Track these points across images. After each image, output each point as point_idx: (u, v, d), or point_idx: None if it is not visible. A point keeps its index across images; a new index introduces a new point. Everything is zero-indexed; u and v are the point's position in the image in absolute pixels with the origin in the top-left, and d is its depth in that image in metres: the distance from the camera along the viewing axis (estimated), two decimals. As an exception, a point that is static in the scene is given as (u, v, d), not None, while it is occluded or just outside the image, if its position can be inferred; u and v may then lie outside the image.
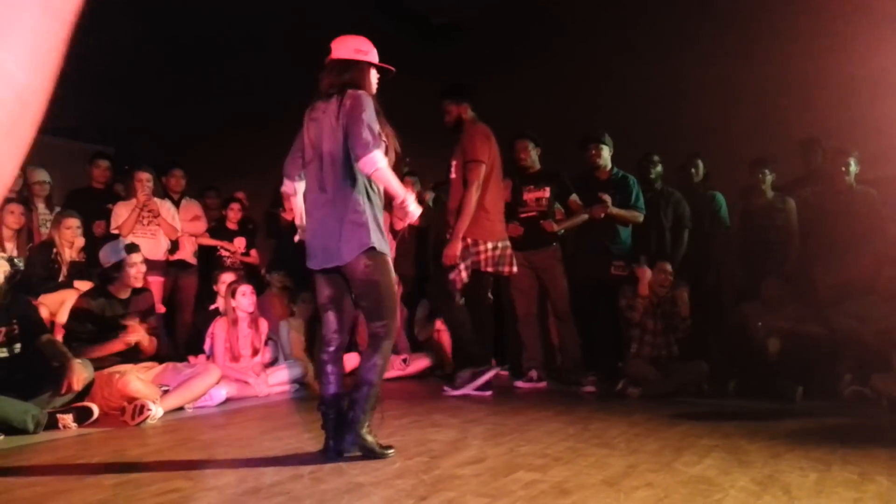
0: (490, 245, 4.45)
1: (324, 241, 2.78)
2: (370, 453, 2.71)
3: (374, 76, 2.93)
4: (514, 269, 4.57)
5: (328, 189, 2.77)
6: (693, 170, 5.67)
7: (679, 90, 6.55)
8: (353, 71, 2.85)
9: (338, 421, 2.81)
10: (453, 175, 4.52)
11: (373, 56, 2.92)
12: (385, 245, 2.80)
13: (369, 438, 2.74)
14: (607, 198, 5.05)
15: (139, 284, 4.19)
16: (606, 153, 5.23)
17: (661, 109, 6.55)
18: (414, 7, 7.65)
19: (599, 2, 7.07)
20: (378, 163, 2.68)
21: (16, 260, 3.59)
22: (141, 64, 8.69)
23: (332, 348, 2.88)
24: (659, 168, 5.52)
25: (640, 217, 5.20)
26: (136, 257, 4.13)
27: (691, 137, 6.14)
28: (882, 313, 4.39)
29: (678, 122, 6.44)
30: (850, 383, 4.36)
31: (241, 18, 8.29)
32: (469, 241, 4.39)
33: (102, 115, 8.98)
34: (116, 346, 3.93)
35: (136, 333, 3.98)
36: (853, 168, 4.92)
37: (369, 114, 2.71)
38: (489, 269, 4.47)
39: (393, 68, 2.97)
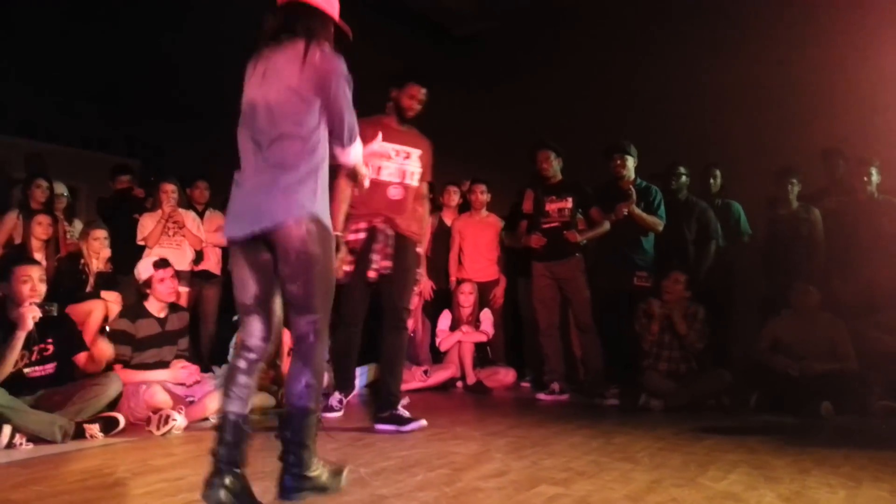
0: None
1: (254, 201, 2.20)
2: (326, 489, 2.26)
3: (331, 34, 2.37)
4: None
5: (270, 152, 2.21)
6: (711, 180, 5.64)
7: (701, 99, 6.51)
8: (316, 20, 2.30)
9: (233, 449, 2.22)
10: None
11: (335, 10, 2.38)
12: (330, 225, 2.24)
13: (320, 476, 2.23)
14: (632, 192, 5.01)
15: (171, 299, 4.20)
16: (631, 163, 5.21)
17: (683, 119, 6.52)
18: (435, 19, 7.69)
19: (620, 12, 7.06)
20: (359, 156, 2.42)
21: (47, 305, 3.63)
22: (167, 76, 8.82)
23: (253, 356, 2.24)
24: (683, 178, 5.49)
25: (660, 225, 5.16)
26: (163, 272, 4.15)
27: (713, 147, 6.11)
28: (911, 326, 4.31)
29: (700, 131, 6.40)
30: (880, 398, 4.28)
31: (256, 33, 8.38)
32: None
33: (130, 127, 9.13)
34: (156, 376, 3.99)
35: (176, 372, 4.05)
36: (875, 178, 4.87)
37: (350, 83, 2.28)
38: None
39: (349, 32, 2.43)
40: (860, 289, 4.77)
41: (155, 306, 4.16)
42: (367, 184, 2.63)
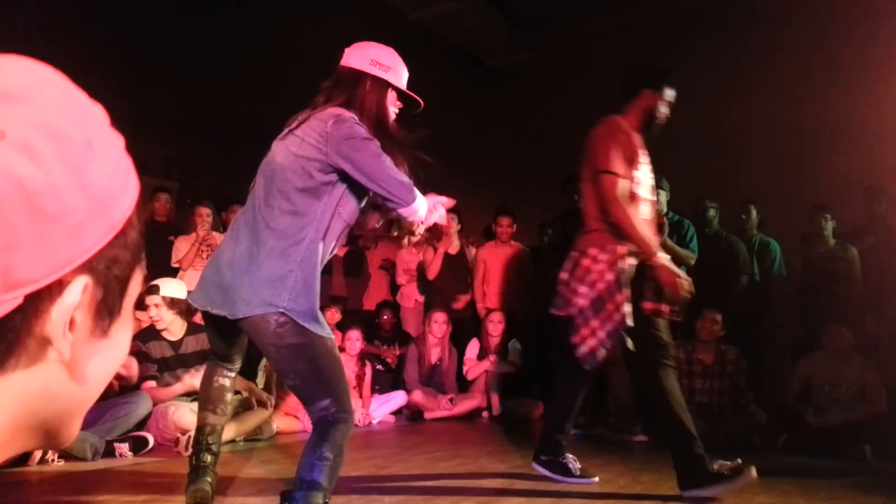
0: None
1: (226, 278, 2.06)
2: None
3: (391, 101, 2.22)
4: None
5: (261, 214, 2.07)
6: (744, 216, 5.57)
7: (736, 134, 6.50)
8: (361, 87, 2.16)
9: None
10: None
11: (396, 75, 2.21)
12: (313, 322, 2.00)
13: None
14: (665, 224, 4.96)
15: (160, 326, 4.12)
16: (663, 198, 5.19)
17: (719, 154, 6.50)
18: (469, 50, 7.81)
19: (653, 46, 7.08)
20: (424, 209, 2.13)
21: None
22: (205, 102, 9.05)
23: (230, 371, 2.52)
24: (712, 212, 5.45)
25: (693, 259, 5.10)
26: (150, 299, 4.07)
27: (749, 182, 6.06)
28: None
29: (736, 166, 6.37)
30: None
31: (304, 59, 8.56)
32: None
33: (168, 151, 9.36)
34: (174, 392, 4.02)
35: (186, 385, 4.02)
36: None
37: (374, 143, 2.06)
38: None
39: (420, 101, 2.28)
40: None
41: (167, 330, 4.14)
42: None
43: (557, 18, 7.68)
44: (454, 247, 6.12)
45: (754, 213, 5.59)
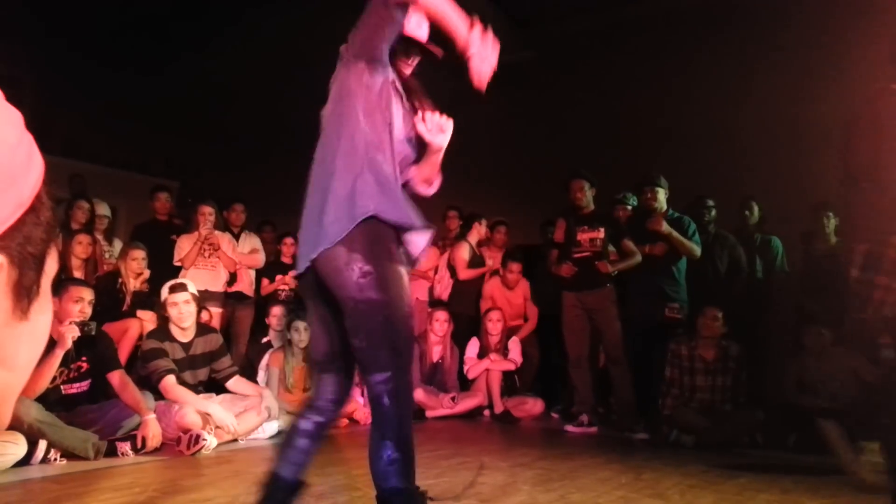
0: None
1: (303, 230, 1.89)
2: None
3: (406, 45, 2.03)
4: None
5: (319, 163, 1.96)
6: (747, 212, 5.57)
7: (738, 132, 6.49)
8: (377, 17, 1.88)
9: None
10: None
11: (417, 27, 2.04)
12: (402, 213, 1.83)
13: None
14: (660, 217, 4.95)
15: (184, 324, 4.10)
16: (662, 196, 5.18)
17: (719, 151, 6.49)
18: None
19: (656, 43, 7.08)
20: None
21: (87, 325, 3.71)
22: (206, 101, 9.05)
23: (319, 419, 1.95)
24: (713, 213, 5.45)
25: (697, 250, 5.09)
26: (177, 296, 4.08)
27: (751, 180, 6.05)
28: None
29: (737, 163, 6.36)
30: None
31: (304, 60, 8.56)
32: None
33: (169, 150, 9.37)
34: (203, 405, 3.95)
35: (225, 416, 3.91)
36: None
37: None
38: None
39: (440, 52, 2.10)
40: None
41: (178, 330, 4.13)
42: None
43: (558, 16, 7.67)
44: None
45: (756, 210, 5.59)
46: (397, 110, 1.95)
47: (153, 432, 3.59)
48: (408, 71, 2.08)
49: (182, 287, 4.16)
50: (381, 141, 1.88)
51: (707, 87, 6.66)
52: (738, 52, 6.57)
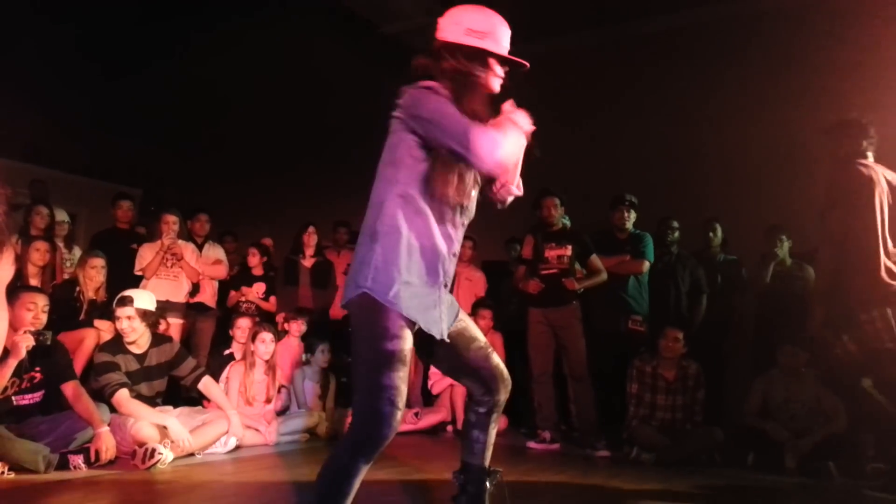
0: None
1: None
2: None
3: (495, 70, 2.02)
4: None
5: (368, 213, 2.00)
6: (711, 234, 5.67)
7: (699, 154, 6.61)
8: (452, 58, 1.95)
9: (473, 500, 2.23)
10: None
11: (494, 41, 1.99)
12: (400, 296, 1.85)
13: None
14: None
15: (129, 339, 4.01)
16: (633, 217, 5.30)
17: (682, 172, 6.60)
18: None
19: (621, 68, 7.20)
20: (500, 145, 1.86)
21: (42, 335, 3.61)
22: (171, 109, 8.95)
23: (481, 409, 2.20)
24: (677, 234, 5.54)
25: (644, 265, 5.20)
26: (122, 311, 3.97)
27: (715, 201, 6.17)
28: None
29: (699, 185, 6.48)
30: (872, 459, 4.24)
31: (275, 69, 8.54)
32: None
33: (132, 158, 9.22)
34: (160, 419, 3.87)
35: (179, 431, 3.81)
36: None
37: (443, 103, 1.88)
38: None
39: (526, 64, 2.04)
40: (854, 348, 4.77)
41: (132, 343, 4.03)
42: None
43: (528, 35, 7.74)
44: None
45: (719, 232, 5.69)
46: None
47: (107, 445, 3.50)
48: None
49: (126, 301, 4.02)
50: (405, 216, 1.95)
51: (671, 112, 6.79)
52: (703, 78, 6.71)
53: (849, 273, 3.35)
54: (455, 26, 1.99)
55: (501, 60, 2.02)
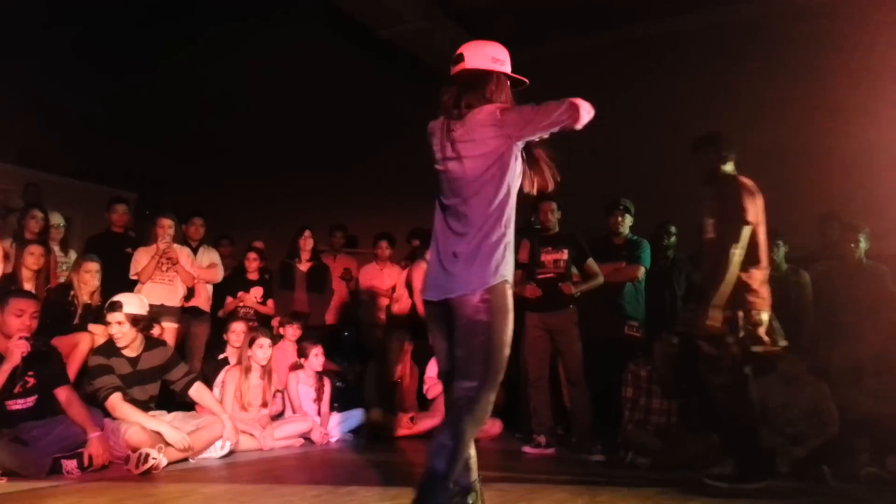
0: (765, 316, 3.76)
1: (441, 270, 2.42)
2: None
3: (508, 91, 2.56)
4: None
5: (455, 220, 2.43)
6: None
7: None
8: (489, 84, 2.49)
9: (463, 472, 2.46)
10: (711, 235, 3.96)
11: (509, 66, 2.58)
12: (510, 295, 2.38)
13: None
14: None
15: (119, 344, 3.98)
16: (629, 221, 5.30)
17: (678, 177, 6.60)
18: (437, 69, 7.85)
19: (614, 71, 7.23)
20: (583, 106, 2.42)
21: (38, 341, 3.60)
22: (167, 113, 8.94)
23: None
24: (673, 238, 5.55)
25: (640, 271, 5.21)
26: (112, 316, 3.96)
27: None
28: (899, 393, 4.32)
29: (695, 190, 6.48)
30: (866, 463, 4.25)
31: (273, 73, 8.55)
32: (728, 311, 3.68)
33: (127, 161, 9.21)
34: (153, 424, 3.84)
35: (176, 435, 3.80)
36: (863, 244, 4.93)
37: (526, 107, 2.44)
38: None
39: (527, 80, 2.60)
40: (847, 354, 4.79)
41: (125, 347, 4.01)
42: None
43: (523, 40, 7.76)
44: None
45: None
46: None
47: (99, 450, 3.48)
48: None
49: (116, 307, 3.99)
50: (511, 217, 2.49)
51: (670, 118, 6.82)
52: (696, 83, 6.74)
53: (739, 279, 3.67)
54: (483, 57, 2.54)
55: (513, 80, 2.59)
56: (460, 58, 2.55)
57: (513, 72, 2.57)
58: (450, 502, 2.29)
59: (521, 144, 2.45)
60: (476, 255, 2.33)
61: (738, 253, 3.66)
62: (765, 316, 3.69)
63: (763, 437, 4.49)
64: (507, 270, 2.38)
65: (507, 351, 2.32)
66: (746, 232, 3.70)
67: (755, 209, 3.76)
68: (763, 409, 4.66)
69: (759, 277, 3.77)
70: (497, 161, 2.38)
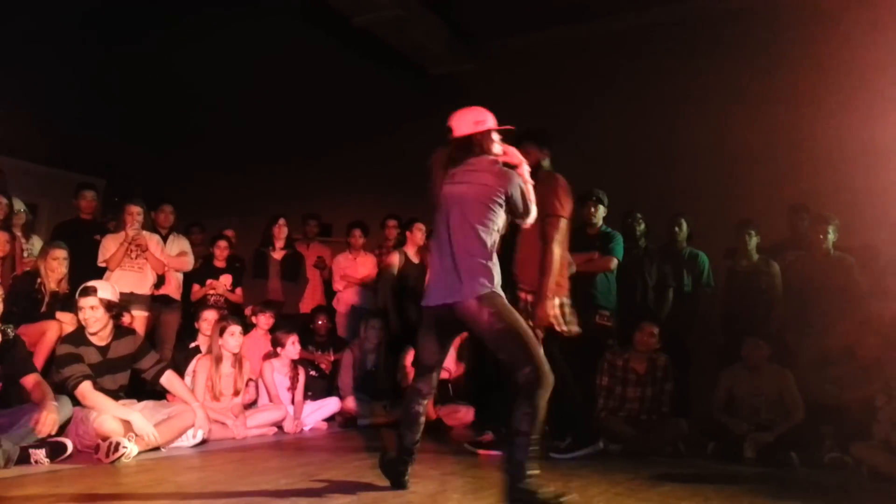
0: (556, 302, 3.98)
1: (446, 279, 2.90)
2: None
3: (495, 137, 3.13)
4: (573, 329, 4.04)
5: (460, 238, 2.92)
6: (676, 229, 5.75)
7: (670, 151, 6.70)
8: (475, 146, 3.07)
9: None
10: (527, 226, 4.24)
11: (491, 122, 3.12)
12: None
13: (535, 492, 2.69)
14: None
15: (91, 330, 3.90)
16: (602, 212, 5.33)
17: (652, 169, 6.69)
18: (412, 58, 7.82)
19: (589, 62, 7.26)
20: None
21: (3, 327, 3.52)
22: (135, 99, 8.79)
23: (425, 400, 3.12)
24: (643, 226, 5.60)
25: (613, 262, 5.22)
26: (85, 301, 3.86)
27: (681, 197, 6.25)
28: (862, 381, 4.42)
29: (669, 181, 6.56)
30: (830, 450, 4.36)
31: (246, 61, 8.43)
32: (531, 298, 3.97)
33: (95, 148, 9.03)
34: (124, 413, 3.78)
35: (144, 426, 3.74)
36: (831, 236, 5.03)
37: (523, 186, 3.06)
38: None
39: (513, 127, 3.18)
40: (814, 342, 4.90)
41: (95, 336, 3.93)
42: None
43: (500, 30, 7.77)
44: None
45: (685, 226, 5.77)
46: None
47: (49, 418, 3.39)
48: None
49: (90, 291, 3.91)
50: (497, 237, 3.04)
51: (642, 110, 6.87)
52: (671, 74, 6.79)
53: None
54: (467, 125, 3.10)
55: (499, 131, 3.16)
56: (449, 129, 3.11)
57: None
58: None
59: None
60: (477, 267, 2.84)
61: (560, 245, 3.93)
62: (557, 301, 3.91)
63: (731, 425, 4.60)
64: (499, 279, 2.91)
65: (524, 325, 2.83)
66: (564, 225, 3.97)
67: (570, 205, 4.04)
68: (730, 398, 4.76)
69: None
70: (494, 192, 2.95)
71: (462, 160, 3.06)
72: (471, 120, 3.11)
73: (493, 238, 2.94)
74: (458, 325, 2.98)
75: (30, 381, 3.58)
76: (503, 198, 2.97)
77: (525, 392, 2.72)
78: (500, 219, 2.98)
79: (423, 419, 3.11)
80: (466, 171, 3.02)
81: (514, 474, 2.71)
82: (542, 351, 2.82)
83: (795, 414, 4.57)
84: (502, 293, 2.88)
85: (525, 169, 3.17)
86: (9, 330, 3.52)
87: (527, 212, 3.07)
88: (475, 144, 3.07)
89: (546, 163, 4.29)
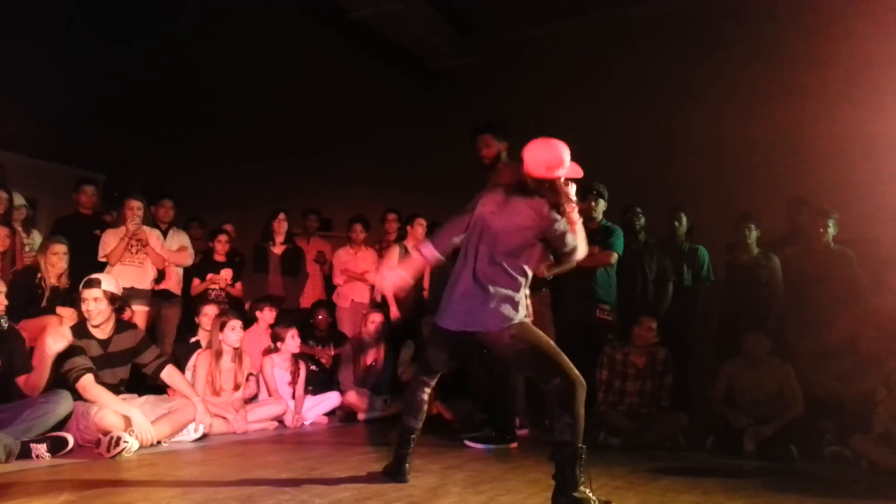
0: None
1: (469, 305, 2.88)
2: None
3: (567, 183, 3.00)
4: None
5: (488, 267, 2.88)
6: (676, 223, 5.75)
7: (670, 145, 6.69)
8: (544, 190, 2.91)
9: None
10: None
11: (566, 165, 2.93)
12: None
13: (588, 500, 2.68)
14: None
15: (94, 322, 3.91)
16: (602, 206, 5.33)
17: (652, 163, 6.68)
18: (411, 51, 7.80)
19: (590, 55, 7.24)
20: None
21: (1, 321, 3.53)
22: (135, 93, 8.77)
23: (429, 389, 3.17)
24: (643, 220, 5.60)
25: (613, 257, 5.22)
26: (89, 292, 3.87)
27: (681, 191, 6.25)
28: (862, 374, 4.43)
29: (669, 175, 6.56)
30: (829, 443, 4.37)
31: (244, 54, 8.41)
32: None
33: (95, 143, 9.02)
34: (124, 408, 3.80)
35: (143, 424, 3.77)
36: (831, 230, 5.04)
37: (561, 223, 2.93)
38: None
39: (581, 174, 3.01)
40: (814, 336, 4.90)
41: (97, 329, 3.94)
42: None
43: (500, 24, 7.75)
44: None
45: (684, 220, 5.77)
46: None
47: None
48: None
49: (94, 283, 3.92)
50: (530, 273, 3.00)
51: (642, 104, 6.85)
52: (672, 67, 6.78)
53: None
54: (537, 166, 2.89)
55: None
56: (520, 159, 2.94)
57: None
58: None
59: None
60: (503, 298, 2.84)
61: None
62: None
63: (730, 418, 4.61)
64: (525, 310, 2.93)
65: (545, 338, 2.87)
66: None
67: None
68: (730, 391, 4.77)
69: None
70: (527, 237, 2.89)
71: (518, 196, 2.92)
72: (544, 162, 2.90)
73: (524, 271, 2.90)
74: (477, 344, 2.99)
75: (21, 380, 3.59)
76: (541, 237, 2.90)
77: (560, 403, 2.74)
78: (534, 256, 2.93)
79: (426, 407, 3.14)
80: (509, 202, 2.92)
81: (564, 484, 2.70)
82: (566, 358, 2.80)
83: (795, 407, 4.58)
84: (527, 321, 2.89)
85: (574, 209, 3.06)
86: (2, 321, 3.51)
87: (572, 251, 2.96)
88: (543, 191, 2.91)
89: (504, 155, 4.32)
